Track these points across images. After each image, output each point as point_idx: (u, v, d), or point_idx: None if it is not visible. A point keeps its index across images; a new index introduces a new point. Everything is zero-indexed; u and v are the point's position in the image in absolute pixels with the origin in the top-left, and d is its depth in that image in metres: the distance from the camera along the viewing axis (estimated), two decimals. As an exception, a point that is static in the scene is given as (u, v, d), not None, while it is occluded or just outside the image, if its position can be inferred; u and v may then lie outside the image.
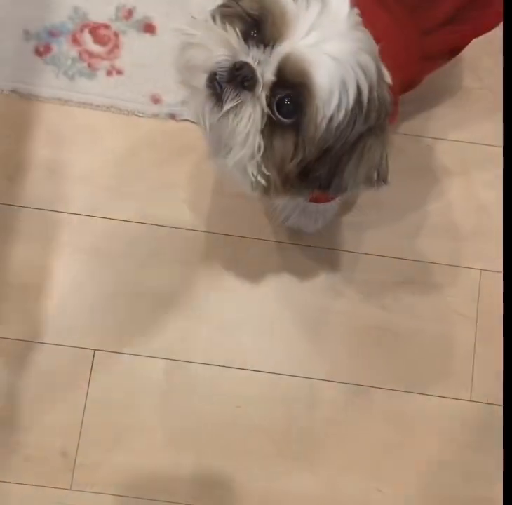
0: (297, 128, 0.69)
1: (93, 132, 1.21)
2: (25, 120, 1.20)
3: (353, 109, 0.68)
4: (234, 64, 0.67)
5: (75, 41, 1.24)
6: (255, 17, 0.69)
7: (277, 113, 0.68)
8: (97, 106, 1.22)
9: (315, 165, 0.72)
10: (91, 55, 1.24)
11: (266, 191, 0.73)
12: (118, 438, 1.12)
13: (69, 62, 1.23)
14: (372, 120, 0.70)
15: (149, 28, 1.26)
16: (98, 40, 1.25)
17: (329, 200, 0.99)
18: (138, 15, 1.26)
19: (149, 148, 1.21)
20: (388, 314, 1.18)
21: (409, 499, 1.13)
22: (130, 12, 1.26)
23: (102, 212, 1.19)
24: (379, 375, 1.16)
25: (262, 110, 0.67)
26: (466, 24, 0.92)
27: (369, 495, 1.13)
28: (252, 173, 0.70)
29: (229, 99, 0.67)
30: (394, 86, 0.74)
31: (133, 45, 1.25)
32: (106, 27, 1.26)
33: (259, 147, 0.68)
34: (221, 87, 0.67)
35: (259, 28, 0.68)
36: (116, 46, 1.25)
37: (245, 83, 0.67)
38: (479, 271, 1.20)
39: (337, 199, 1.01)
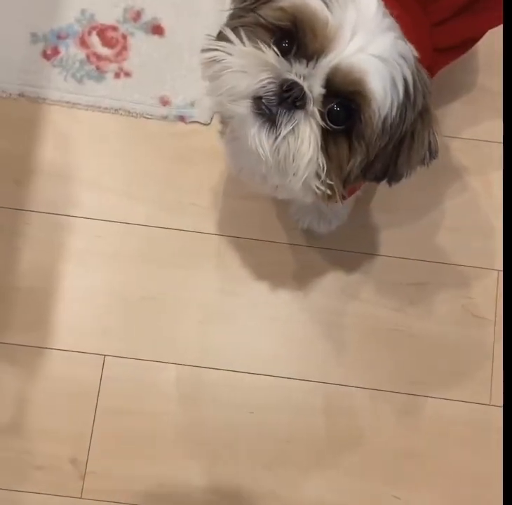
0: (348, 131, 0.68)
1: (102, 135, 1.20)
2: (33, 124, 1.20)
3: (403, 101, 0.68)
4: (281, 86, 0.65)
5: (83, 43, 1.23)
6: (285, 27, 0.67)
7: (329, 122, 0.68)
8: (106, 108, 1.21)
9: (374, 162, 0.72)
10: (99, 57, 1.23)
11: (331, 198, 0.72)
12: (128, 445, 1.11)
13: (77, 64, 1.23)
14: (419, 106, 0.70)
15: (157, 29, 1.25)
16: (106, 42, 1.24)
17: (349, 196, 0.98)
18: (146, 16, 1.25)
19: (157, 150, 1.20)
20: (404, 317, 1.16)
21: (427, 506, 1.11)
22: (138, 14, 1.25)
23: (111, 216, 1.18)
24: (395, 379, 1.14)
25: (318, 125, 0.67)
26: (480, 14, 0.91)
27: (385, 502, 1.11)
28: (317, 187, 0.70)
29: (284, 122, 0.66)
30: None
31: (141, 47, 1.24)
32: (114, 28, 1.24)
33: (322, 163, 0.68)
34: (269, 110, 0.66)
35: (291, 38, 0.66)
36: (124, 48, 1.24)
37: (297, 103, 0.65)
38: (497, 272, 1.17)
39: (350, 198, 0.99)
